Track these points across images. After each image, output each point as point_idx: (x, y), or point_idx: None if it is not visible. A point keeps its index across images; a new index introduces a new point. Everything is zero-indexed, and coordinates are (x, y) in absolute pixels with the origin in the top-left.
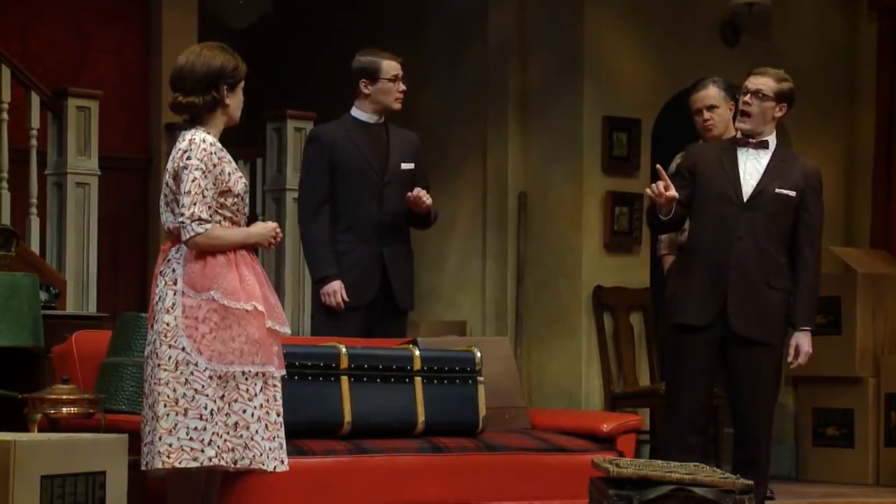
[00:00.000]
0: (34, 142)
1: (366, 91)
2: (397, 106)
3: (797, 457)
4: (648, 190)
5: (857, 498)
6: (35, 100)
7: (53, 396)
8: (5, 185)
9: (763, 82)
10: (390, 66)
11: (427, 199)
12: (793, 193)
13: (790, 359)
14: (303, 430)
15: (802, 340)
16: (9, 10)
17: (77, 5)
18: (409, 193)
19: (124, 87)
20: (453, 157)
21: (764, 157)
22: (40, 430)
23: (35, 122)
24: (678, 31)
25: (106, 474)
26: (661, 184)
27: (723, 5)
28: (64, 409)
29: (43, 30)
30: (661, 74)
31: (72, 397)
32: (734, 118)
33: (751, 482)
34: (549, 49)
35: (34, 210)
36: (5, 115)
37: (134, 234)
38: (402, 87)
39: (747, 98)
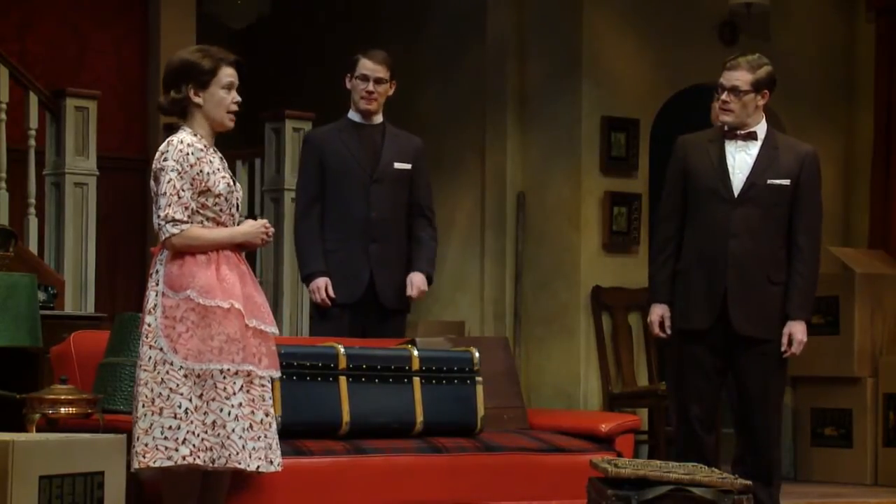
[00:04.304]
0: (32, 142)
1: (348, 86)
2: (364, 105)
3: (795, 457)
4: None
5: (856, 498)
6: (33, 100)
7: (52, 396)
8: (4, 185)
9: (738, 77)
10: (362, 65)
11: (417, 292)
12: (787, 182)
13: (783, 348)
14: (301, 431)
15: (795, 329)
16: (7, 10)
17: (75, 6)
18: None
19: (122, 88)
20: (452, 158)
21: (753, 149)
22: (39, 431)
23: (33, 122)
24: (677, 31)
25: (104, 474)
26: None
27: (721, 5)
28: (62, 410)
29: (41, 30)
30: (660, 74)
31: (70, 397)
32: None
33: (749, 482)
34: (547, 49)
35: (32, 210)
36: (3, 116)
37: (132, 235)
38: (370, 87)
39: (725, 96)
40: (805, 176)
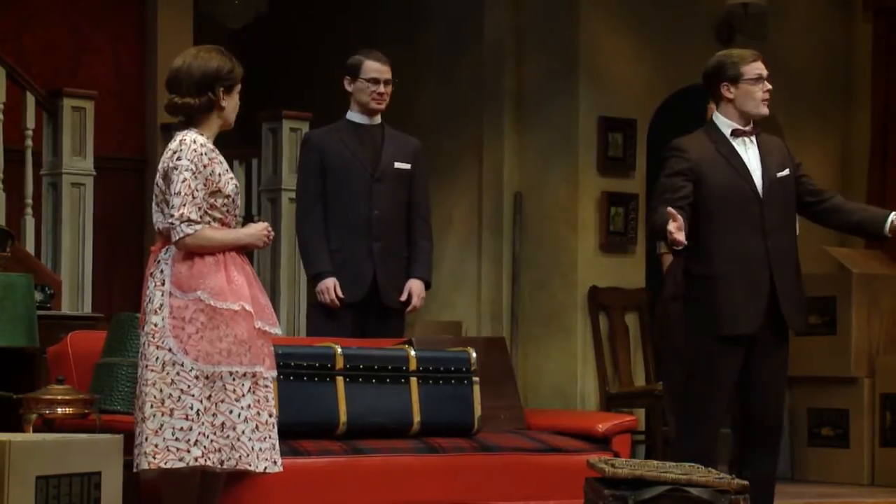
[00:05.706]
0: (29, 142)
1: (348, 88)
2: (375, 106)
3: (792, 457)
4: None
5: (853, 498)
6: (30, 100)
7: (48, 397)
8: (0, 185)
9: (762, 65)
10: (370, 68)
11: (417, 301)
12: (787, 172)
13: None
14: (298, 431)
15: None
16: (4, 10)
17: (72, 5)
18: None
19: (120, 88)
20: (449, 158)
21: (754, 145)
22: (35, 431)
23: (30, 122)
24: (673, 32)
25: (101, 475)
26: (675, 228)
27: (718, 5)
28: (59, 410)
29: (38, 30)
30: (657, 75)
31: (67, 398)
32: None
33: (746, 482)
34: (544, 49)
35: (29, 210)
36: (0, 116)
37: (129, 235)
38: (382, 89)
39: (768, 84)
40: (795, 162)
